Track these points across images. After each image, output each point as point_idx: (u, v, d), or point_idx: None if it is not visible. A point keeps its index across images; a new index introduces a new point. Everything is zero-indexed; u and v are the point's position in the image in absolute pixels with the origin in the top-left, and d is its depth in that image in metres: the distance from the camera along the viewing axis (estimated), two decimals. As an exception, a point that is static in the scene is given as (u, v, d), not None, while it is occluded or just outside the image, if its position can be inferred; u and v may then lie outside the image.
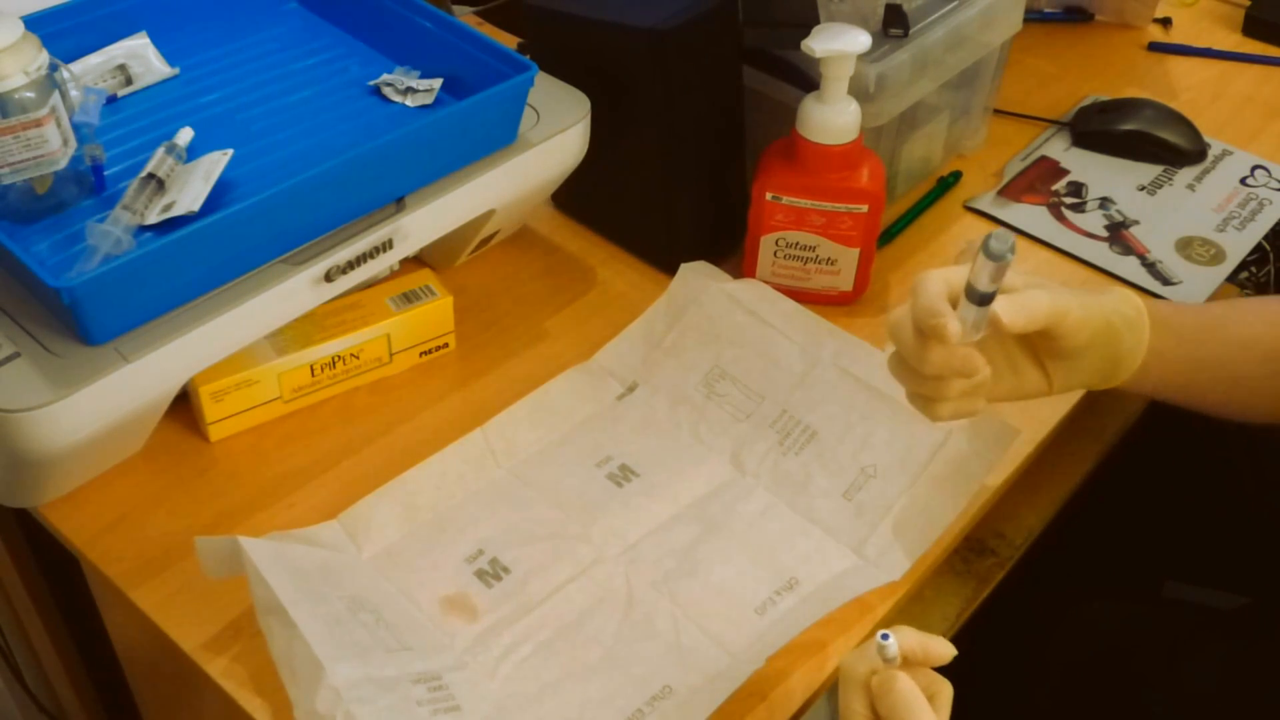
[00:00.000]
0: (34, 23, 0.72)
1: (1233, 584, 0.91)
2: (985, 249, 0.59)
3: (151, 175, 0.72)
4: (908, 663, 0.58)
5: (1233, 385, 0.74)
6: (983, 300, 0.62)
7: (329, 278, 0.74)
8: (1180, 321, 0.73)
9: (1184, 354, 0.72)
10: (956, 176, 1.03)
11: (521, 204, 0.86)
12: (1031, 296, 0.65)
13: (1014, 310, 0.63)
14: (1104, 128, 1.06)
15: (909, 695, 0.56)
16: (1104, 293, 0.71)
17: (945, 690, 0.59)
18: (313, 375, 0.80)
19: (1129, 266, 0.95)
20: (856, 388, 0.80)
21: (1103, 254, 0.96)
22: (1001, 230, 0.59)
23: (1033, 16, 1.21)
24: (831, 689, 0.70)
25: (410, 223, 0.77)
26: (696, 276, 0.87)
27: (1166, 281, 0.94)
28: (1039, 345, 0.69)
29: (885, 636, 0.57)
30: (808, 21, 0.82)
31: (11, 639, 1.03)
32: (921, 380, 0.67)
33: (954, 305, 0.63)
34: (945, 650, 0.59)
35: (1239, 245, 0.98)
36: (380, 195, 0.76)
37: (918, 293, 0.64)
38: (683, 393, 0.82)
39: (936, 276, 0.64)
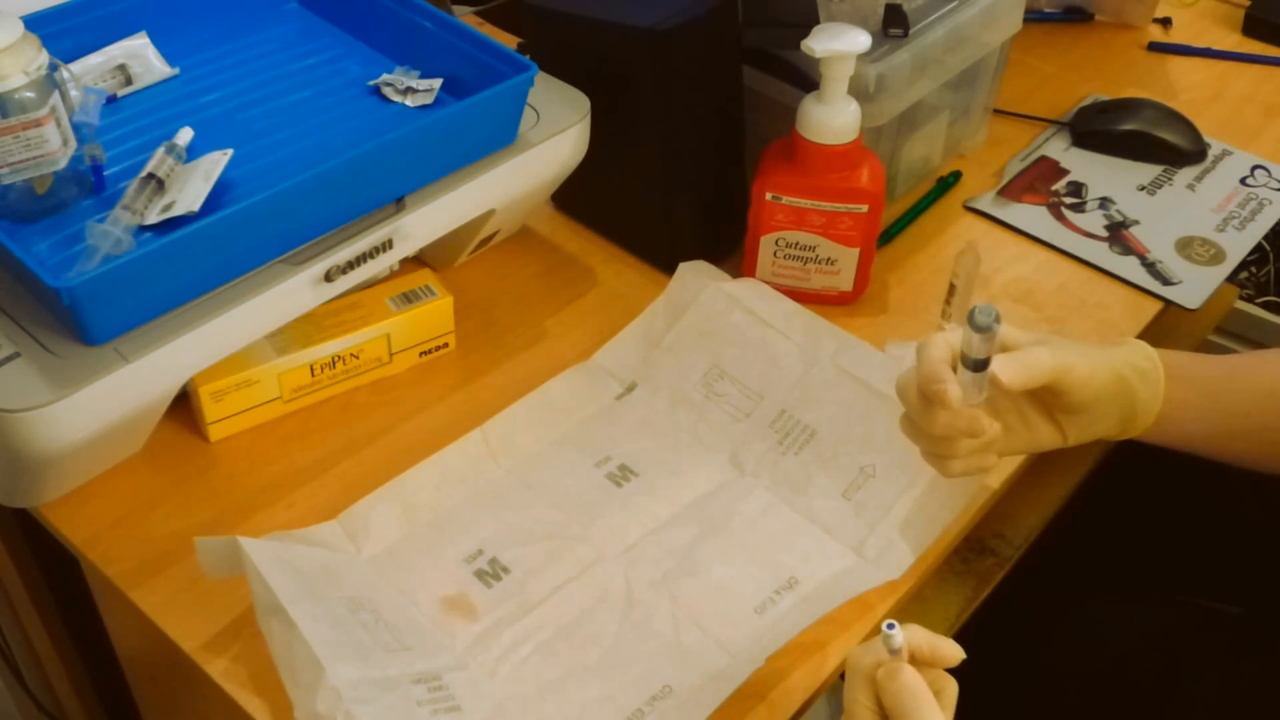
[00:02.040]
0: (34, 23, 0.72)
1: (1229, 594, 0.90)
2: (971, 322, 0.61)
3: (151, 175, 0.72)
4: (915, 661, 0.58)
5: (1258, 435, 0.74)
6: (978, 367, 0.64)
7: (329, 278, 0.74)
8: (1200, 372, 0.73)
9: (1206, 404, 0.73)
10: (956, 176, 1.03)
11: (521, 204, 0.86)
12: (1032, 354, 0.66)
13: (1013, 370, 0.65)
14: (1104, 128, 1.06)
15: (913, 687, 0.56)
16: (1116, 345, 0.72)
17: (950, 687, 0.59)
18: (313, 375, 0.80)
19: (1129, 266, 0.95)
20: (856, 387, 0.80)
21: (1103, 254, 0.96)
22: (986, 304, 0.61)
23: (1033, 16, 1.21)
24: (831, 688, 0.70)
25: (410, 223, 0.77)
26: (695, 276, 0.87)
27: (1166, 281, 0.94)
28: (1048, 400, 0.70)
29: (891, 626, 0.57)
30: (808, 21, 0.82)
31: (11, 639, 1.03)
32: (931, 440, 0.69)
33: (956, 368, 0.65)
34: (954, 652, 0.59)
35: (1239, 245, 0.98)
36: (380, 195, 0.76)
37: (920, 359, 0.66)
38: (682, 392, 0.82)
39: (939, 341, 0.66)
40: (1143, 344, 0.72)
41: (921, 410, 0.67)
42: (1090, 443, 0.90)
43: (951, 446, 0.68)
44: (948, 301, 0.85)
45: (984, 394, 0.65)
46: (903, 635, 0.57)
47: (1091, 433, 0.72)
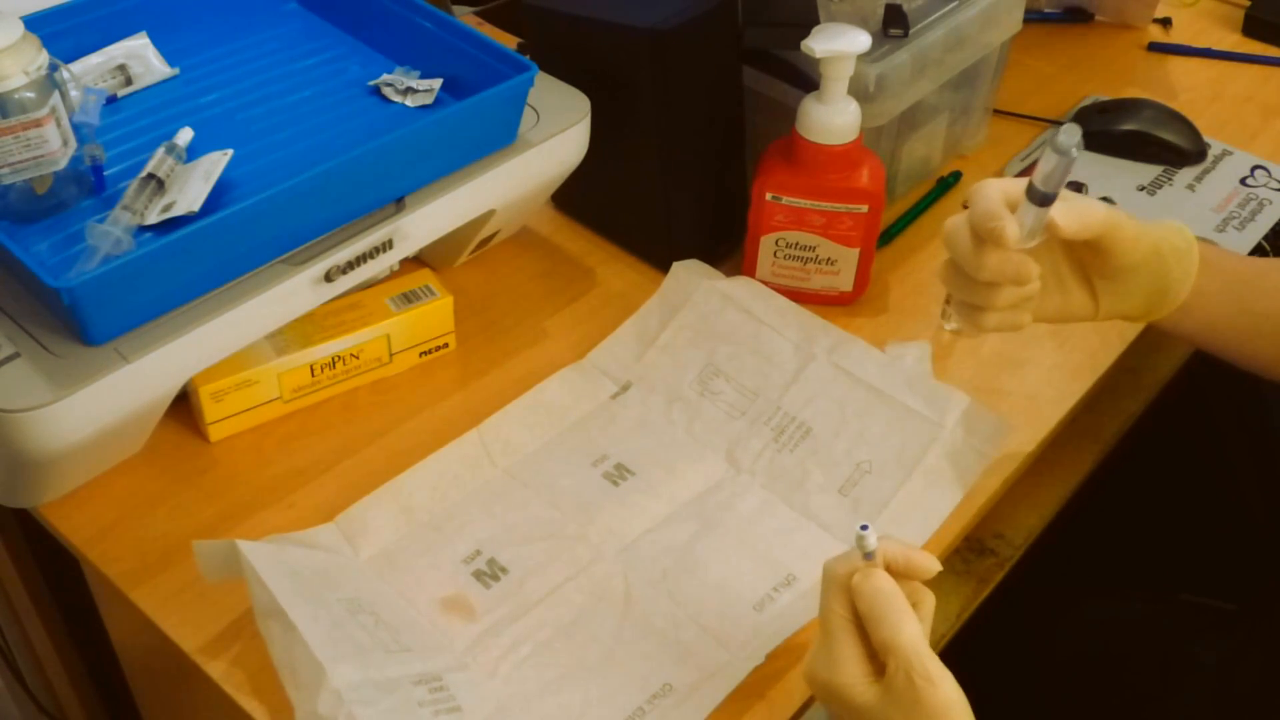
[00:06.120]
0: (34, 23, 0.72)
1: (1229, 593, 0.90)
2: (1052, 144, 0.59)
3: (151, 175, 0.72)
4: (891, 573, 0.57)
5: (1278, 340, 0.73)
6: (1044, 201, 0.62)
7: (329, 278, 0.74)
8: (1231, 267, 0.73)
9: (1231, 299, 0.72)
10: (956, 176, 1.03)
11: (521, 204, 0.86)
12: (1087, 205, 0.66)
13: (1071, 215, 0.64)
14: (1104, 128, 1.06)
15: (887, 591, 0.56)
16: (1154, 223, 0.71)
17: (929, 600, 0.58)
18: (313, 375, 0.80)
19: (1129, 266, 0.95)
20: (851, 384, 0.80)
21: (1102, 254, 0.96)
22: (1070, 124, 0.58)
23: (1033, 16, 1.21)
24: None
25: (410, 223, 0.77)
26: (689, 274, 0.87)
27: (1166, 281, 0.93)
28: (1089, 262, 0.69)
29: (864, 528, 0.56)
30: (808, 21, 0.82)
31: (11, 639, 1.03)
32: (974, 288, 0.68)
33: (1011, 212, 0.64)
34: (929, 563, 0.58)
35: (1239, 245, 0.97)
36: (380, 195, 0.76)
37: (977, 198, 0.65)
38: (677, 391, 0.82)
39: (995, 184, 0.65)
40: (1181, 225, 0.72)
41: (971, 253, 0.66)
42: (1090, 442, 0.90)
43: (993, 296, 0.67)
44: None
45: (1037, 238, 0.64)
46: (876, 538, 0.56)
47: (1123, 307, 0.71)
